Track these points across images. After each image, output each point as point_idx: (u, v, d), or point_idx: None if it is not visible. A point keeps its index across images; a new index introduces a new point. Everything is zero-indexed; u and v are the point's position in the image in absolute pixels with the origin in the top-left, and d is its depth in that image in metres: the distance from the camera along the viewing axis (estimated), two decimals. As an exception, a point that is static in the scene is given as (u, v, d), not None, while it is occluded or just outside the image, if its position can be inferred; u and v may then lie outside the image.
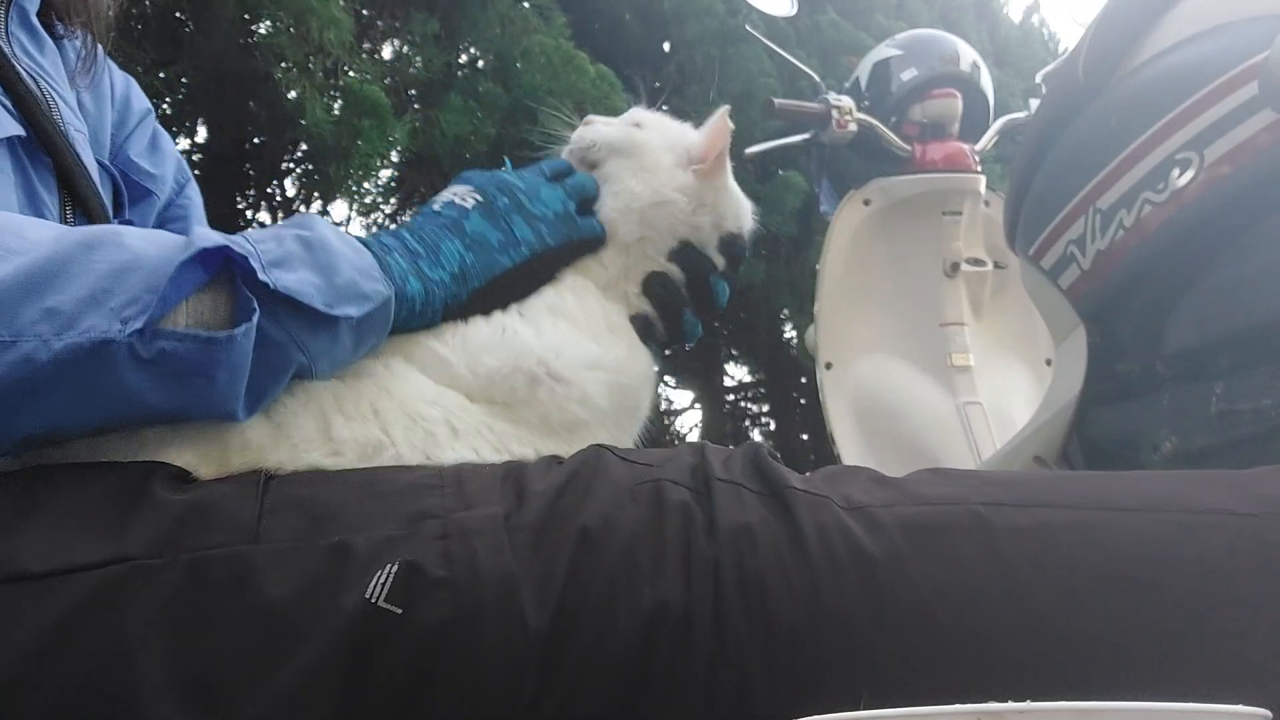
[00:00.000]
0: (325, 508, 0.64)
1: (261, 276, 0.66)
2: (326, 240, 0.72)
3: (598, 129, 0.96)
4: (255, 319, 0.65)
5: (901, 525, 0.62)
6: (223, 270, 0.67)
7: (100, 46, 0.96)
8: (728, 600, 0.59)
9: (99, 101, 0.98)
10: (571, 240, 0.89)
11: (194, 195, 1.09)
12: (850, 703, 0.54)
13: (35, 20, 0.90)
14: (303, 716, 0.58)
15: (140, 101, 1.06)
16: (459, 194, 0.87)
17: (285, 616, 0.59)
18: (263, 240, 0.69)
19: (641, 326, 0.91)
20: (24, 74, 0.83)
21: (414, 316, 0.79)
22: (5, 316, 0.60)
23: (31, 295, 0.61)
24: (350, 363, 0.76)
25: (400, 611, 0.58)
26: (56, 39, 0.94)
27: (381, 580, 0.59)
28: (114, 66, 1.03)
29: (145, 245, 0.65)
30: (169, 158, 1.06)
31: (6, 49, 0.83)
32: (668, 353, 0.94)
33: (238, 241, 0.68)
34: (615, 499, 0.63)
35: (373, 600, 0.58)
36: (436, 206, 0.87)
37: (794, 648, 0.59)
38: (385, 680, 0.59)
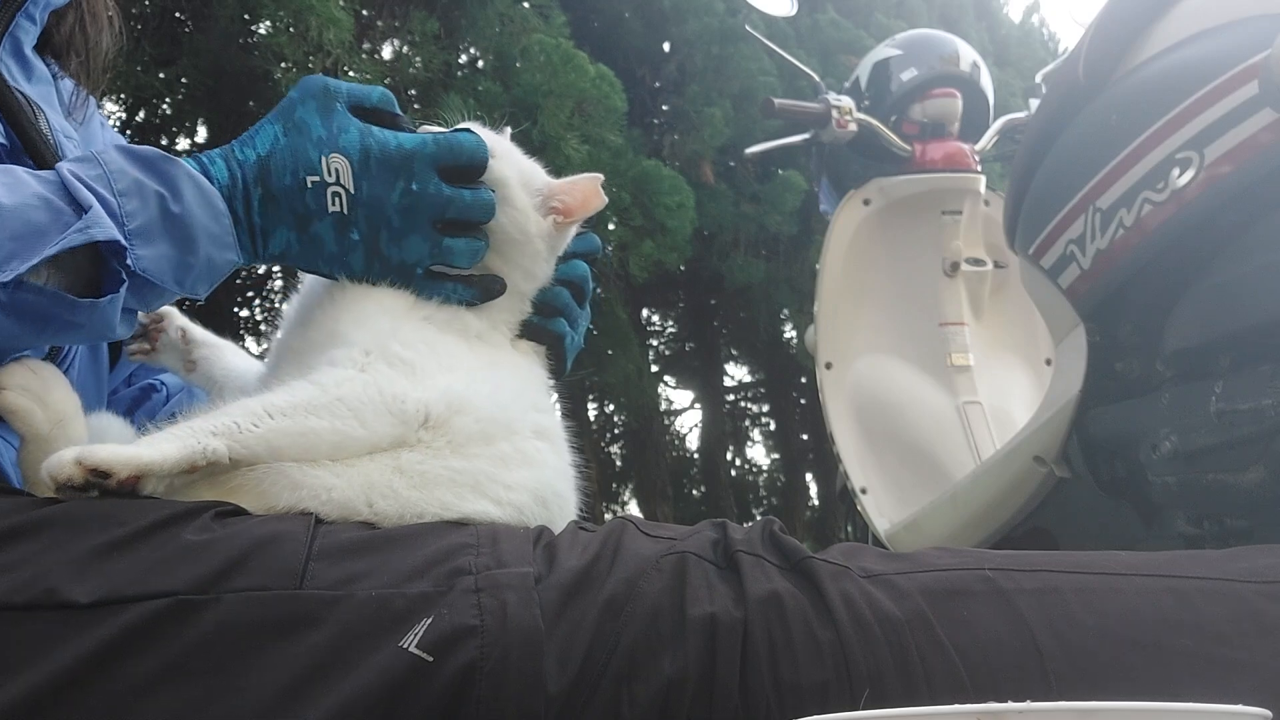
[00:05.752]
0: (369, 561, 0.65)
1: (129, 261, 0.68)
2: (188, 212, 0.71)
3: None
4: (123, 290, 0.68)
5: (921, 590, 0.64)
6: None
7: (92, 89, 0.97)
8: (756, 663, 0.60)
9: (89, 143, 0.98)
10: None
11: None
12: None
13: (30, 52, 0.90)
14: None
15: None
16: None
17: (322, 661, 0.60)
18: (128, 195, 0.70)
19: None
20: (11, 87, 0.84)
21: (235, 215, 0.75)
22: None
23: None
24: None
25: (431, 660, 0.60)
26: (55, 75, 0.94)
27: (417, 631, 0.61)
28: (102, 117, 1.04)
29: (2, 190, 0.66)
30: None
31: None
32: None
33: (108, 207, 0.68)
34: (640, 569, 0.65)
35: (406, 647, 0.60)
36: None
37: (824, 708, 0.59)
38: None
